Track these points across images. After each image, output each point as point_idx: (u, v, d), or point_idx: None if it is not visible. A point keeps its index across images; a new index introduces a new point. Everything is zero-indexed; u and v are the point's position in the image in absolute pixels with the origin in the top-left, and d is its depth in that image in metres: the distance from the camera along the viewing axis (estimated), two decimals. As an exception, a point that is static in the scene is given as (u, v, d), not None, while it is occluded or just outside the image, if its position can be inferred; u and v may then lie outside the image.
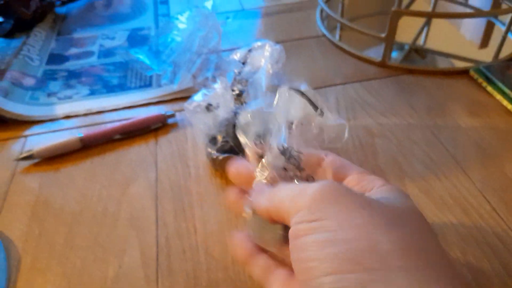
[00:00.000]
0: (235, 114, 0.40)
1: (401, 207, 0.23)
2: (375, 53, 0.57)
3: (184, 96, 0.51)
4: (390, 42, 0.53)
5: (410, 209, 0.23)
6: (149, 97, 0.51)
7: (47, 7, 0.69)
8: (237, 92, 0.43)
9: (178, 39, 0.55)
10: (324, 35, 0.63)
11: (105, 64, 0.58)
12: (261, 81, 0.38)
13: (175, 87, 0.52)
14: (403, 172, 0.41)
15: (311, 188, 0.23)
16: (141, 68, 0.55)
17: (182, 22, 0.56)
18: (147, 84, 0.54)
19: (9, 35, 0.65)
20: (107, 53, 0.60)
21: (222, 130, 0.40)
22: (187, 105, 0.39)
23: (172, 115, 0.48)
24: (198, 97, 0.39)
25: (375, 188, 0.25)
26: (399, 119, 0.47)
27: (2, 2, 0.67)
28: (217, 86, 0.39)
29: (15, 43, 0.63)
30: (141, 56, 0.55)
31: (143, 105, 0.51)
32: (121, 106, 0.50)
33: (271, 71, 0.38)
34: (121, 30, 0.65)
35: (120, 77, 0.55)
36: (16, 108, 0.49)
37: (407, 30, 0.53)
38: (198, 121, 0.39)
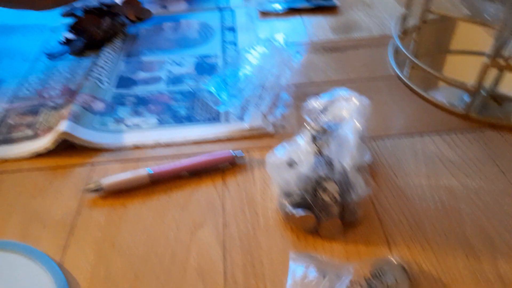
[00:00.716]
0: (316, 170, 0.37)
1: None
2: (444, 95, 0.53)
3: (253, 135, 0.50)
4: (477, 94, 0.50)
5: None
6: (218, 132, 0.50)
7: (118, 27, 0.69)
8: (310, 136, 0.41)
9: (249, 73, 0.54)
10: (397, 76, 0.60)
11: (173, 92, 0.57)
12: (348, 136, 0.36)
13: (245, 125, 0.50)
14: (495, 249, 0.37)
15: None
16: (210, 100, 0.54)
17: (255, 56, 0.55)
18: (214, 117, 0.52)
19: (80, 53, 0.66)
20: (175, 80, 0.59)
21: (301, 185, 0.37)
22: (269, 160, 0.37)
23: (242, 157, 0.46)
24: (279, 151, 0.38)
25: None
26: (486, 183, 0.43)
27: (76, 20, 0.69)
28: (301, 141, 0.37)
29: (85, 62, 0.64)
30: (212, 88, 0.54)
31: (212, 141, 0.50)
32: (189, 141, 0.49)
33: (360, 128, 0.36)
34: (189, 56, 0.65)
35: (188, 108, 0.54)
36: (86, 135, 0.49)
37: (466, 69, 0.49)
38: (278, 176, 0.37)
